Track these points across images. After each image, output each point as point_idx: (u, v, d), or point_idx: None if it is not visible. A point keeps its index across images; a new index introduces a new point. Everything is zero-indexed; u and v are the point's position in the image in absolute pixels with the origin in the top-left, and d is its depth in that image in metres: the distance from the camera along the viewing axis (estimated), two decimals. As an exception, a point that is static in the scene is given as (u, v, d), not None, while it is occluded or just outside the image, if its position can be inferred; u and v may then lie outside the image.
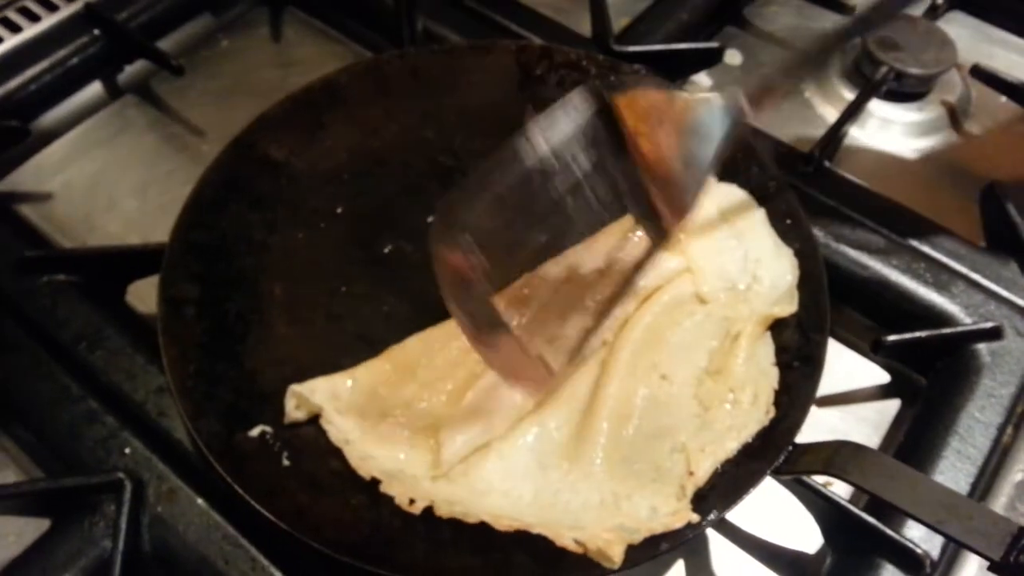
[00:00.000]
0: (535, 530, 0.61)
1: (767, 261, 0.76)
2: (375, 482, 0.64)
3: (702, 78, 1.02)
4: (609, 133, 0.62)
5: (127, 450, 0.68)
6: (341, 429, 0.67)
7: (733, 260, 0.76)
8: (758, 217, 0.78)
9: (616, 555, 0.59)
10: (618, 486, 0.65)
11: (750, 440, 0.66)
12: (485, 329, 0.61)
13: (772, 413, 0.68)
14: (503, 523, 0.62)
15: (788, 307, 0.72)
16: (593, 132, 0.61)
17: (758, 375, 0.70)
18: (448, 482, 0.65)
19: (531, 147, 0.59)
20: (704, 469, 0.65)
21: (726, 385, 0.69)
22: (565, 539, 0.61)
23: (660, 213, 0.64)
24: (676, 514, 0.63)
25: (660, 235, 0.64)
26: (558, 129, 0.59)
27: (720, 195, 0.80)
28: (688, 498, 0.64)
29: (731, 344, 0.71)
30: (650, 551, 0.60)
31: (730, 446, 0.66)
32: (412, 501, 0.63)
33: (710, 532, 0.72)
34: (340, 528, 0.62)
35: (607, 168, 0.62)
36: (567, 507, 0.64)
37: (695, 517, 0.62)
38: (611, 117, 0.62)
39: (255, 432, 0.66)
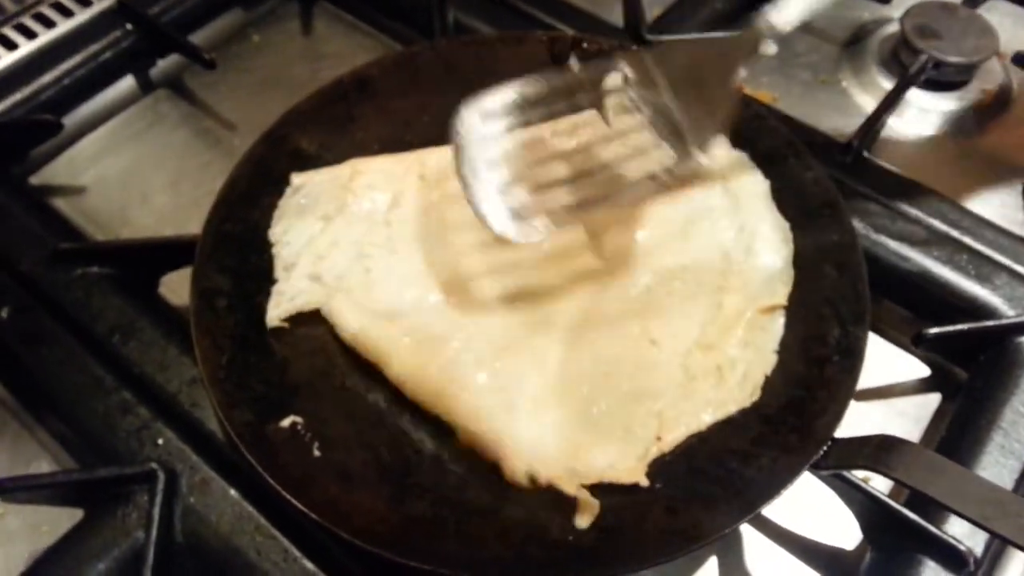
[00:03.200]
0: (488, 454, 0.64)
1: (764, 235, 0.75)
2: (405, 474, 0.64)
3: (736, 68, 1.00)
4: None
5: (160, 441, 0.68)
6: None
7: (727, 228, 0.75)
8: (760, 190, 0.78)
9: (570, 490, 0.62)
10: (583, 436, 0.65)
11: (726, 418, 0.66)
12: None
13: (756, 396, 0.67)
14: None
15: (782, 291, 0.72)
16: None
17: (753, 357, 0.69)
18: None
19: None
20: (673, 437, 0.65)
21: (715, 361, 0.69)
22: (518, 474, 0.63)
23: (686, 136, 0.68)
24: (629, 471, 0.63)
25: (685, 156, 0.68)
26: None
27: (726, 161, 0.79)
28: (648, 460, 0.64)
29: (727, 322, 0.70)
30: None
31: (704, 419, 0.66)
32: None
33: (746, 527, 0.71)
34: (371, 519, 0.61)
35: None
36: (528, 445, 0.64)
37: (645, 481, 0.63)
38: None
39: (286, 422, 0.66)
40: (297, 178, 0.78)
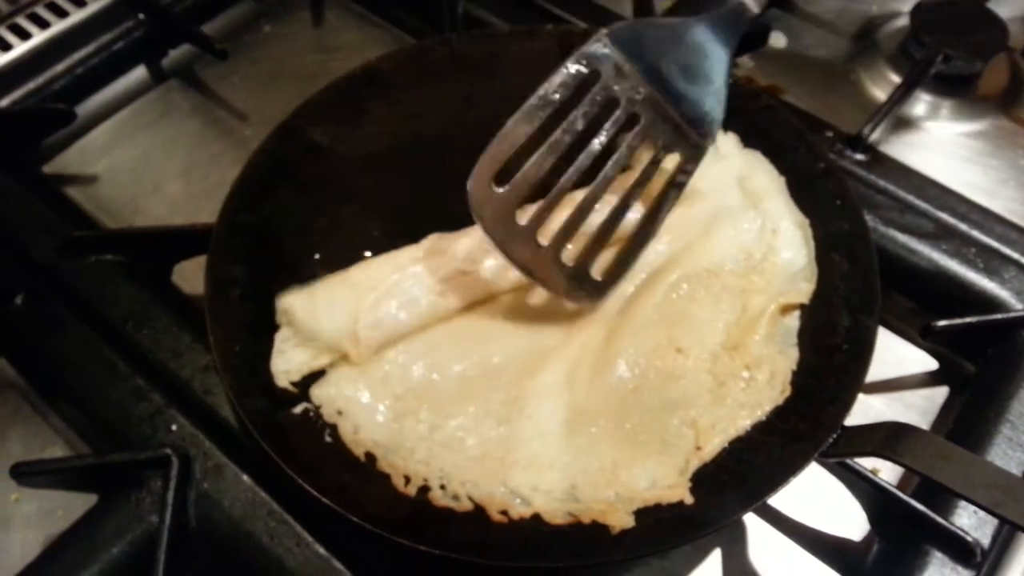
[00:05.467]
0: (527, 512, 0.62)
1: (785, 233, 0.75)
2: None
3: (746, 61, 1.00)
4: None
5: (174, 427, 0.69)
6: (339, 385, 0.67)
7: (749, 229, 0.75)
8: (777, 186, 0.78)
9: (617, 522, 0.60)
10: (620, 454, 0.64)
11: (763, 419, 0.66)
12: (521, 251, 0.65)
13: (787, 393, 0.67)
14: (495, 511, 0.62)
15: (806, 288, 0.72)
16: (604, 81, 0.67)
17: (776, 354, 0.69)
18: (445, 447, 0.65)
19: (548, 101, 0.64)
20: (713, 446, 0.65)
21: (742, 362, 0.68)
22: (557, 516, 0.62)
23: (687, 132, 0.68)
24: (673, 488, 0.62)
25: (694, 152, 0.68)
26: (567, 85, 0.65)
27: (741, 160, 0.79)
28: (690, 473, 0.63)
29: (751, 321, 0.70)
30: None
31: (742, 424, 0.66)
32: (407, 481, 0.63)
33: (752, 517, 0.71)
34: (381, 504, 0.62)
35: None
36: (564, 469, 0.64)
37: (689, 498, 0.62)
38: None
39: (298, 409, 0.66)
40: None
